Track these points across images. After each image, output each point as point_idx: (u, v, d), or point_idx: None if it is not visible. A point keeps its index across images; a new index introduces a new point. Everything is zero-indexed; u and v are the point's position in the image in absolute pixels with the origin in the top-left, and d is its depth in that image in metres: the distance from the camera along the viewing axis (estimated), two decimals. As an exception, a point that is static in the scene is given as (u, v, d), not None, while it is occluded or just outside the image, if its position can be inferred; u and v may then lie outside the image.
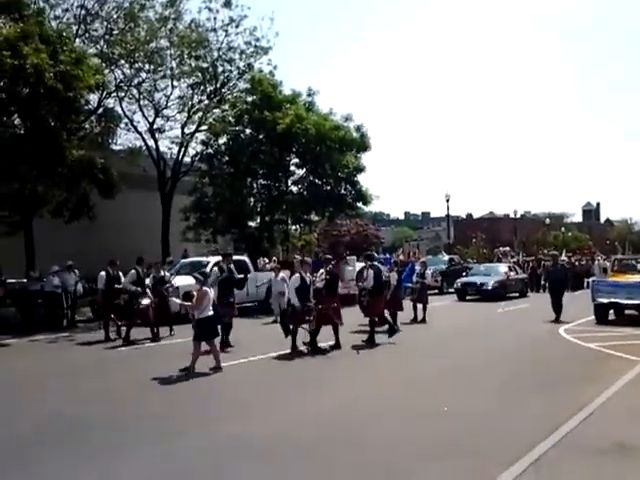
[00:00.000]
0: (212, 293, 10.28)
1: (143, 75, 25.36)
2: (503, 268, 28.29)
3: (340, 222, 35.67)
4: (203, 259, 20.42)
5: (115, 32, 23.75)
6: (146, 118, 26.64)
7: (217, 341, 10.40)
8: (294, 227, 32.16)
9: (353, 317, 14.18)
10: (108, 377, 10.26)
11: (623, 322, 15.93)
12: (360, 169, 27.80)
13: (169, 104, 26.54)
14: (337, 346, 12.21)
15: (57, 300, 17.45)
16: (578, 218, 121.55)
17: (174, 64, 25.77)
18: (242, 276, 14.02)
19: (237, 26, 26.10)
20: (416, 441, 6.33)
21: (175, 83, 26.24)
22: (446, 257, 33.96)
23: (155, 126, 26.70)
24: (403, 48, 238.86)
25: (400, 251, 28.91)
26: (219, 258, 16.06)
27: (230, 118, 27.17)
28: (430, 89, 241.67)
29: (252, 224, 27.98)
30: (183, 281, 15.78)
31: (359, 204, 29.07)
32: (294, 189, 28.49)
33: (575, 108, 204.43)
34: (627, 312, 16.65)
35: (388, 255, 26.42)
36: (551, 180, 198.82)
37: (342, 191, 28.08)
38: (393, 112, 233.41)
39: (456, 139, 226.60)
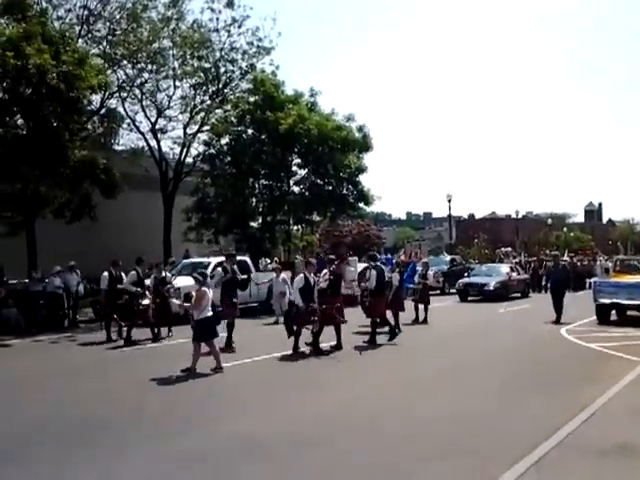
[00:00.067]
0: (211, 293, 10.26)
1: (145, 75, 25.38)
2: (505, 269, 28.27)
3: (342, 222, 35.73)
4: (204, 260, 20.43)
5: (118, 32, 23.76)
6: (148, 118, 26.70)
7: (217, 341, 10.36)
8: (296, 227, 32.16)
9: (354, 318, 14.16)
10: (109, 377, 10.26)
11: (625, 323, 15.92)
12: (362, 169, 27.75)
13: (171, 104, 26.56)
14: (338, 347, 12.20)
15: (59, 301, 17.45)
16: (580, 218, 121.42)
17: (176, 64, 25.80)
18: (245, 277, 14.13)
19: (239, 26, 26.07)
20: (416, 441, 6.32)
21: (177, 83, 26.26)
22: (448, 257, 33.93)
23: (157, 126, 26.72)
24: (405, 48, 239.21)
25: (402, 251, 28.92)
26: (220, 259, 16.10)
27: (232, 118, 27.15)
28: (432, 89, 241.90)
29: (254, 224, 27.95)
30: (184, 282, 15.78)
31: (361, 204, 29.04)
32: (296, 189, 28.48)
33: (577, 108, 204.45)
34: (629, 313, 16.63)
35: (390, 255, 26.43)
36: (553, 180, 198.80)
37: (344, 191, 28.03)
38: (395, 112, 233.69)
39: (458, 139, 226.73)
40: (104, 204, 21.15)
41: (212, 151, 27.49)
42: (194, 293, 10.38)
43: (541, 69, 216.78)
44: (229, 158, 27.16)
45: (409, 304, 16.47)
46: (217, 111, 27.31)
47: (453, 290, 26.99)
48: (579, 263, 35.34)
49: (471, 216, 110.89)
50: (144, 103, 26.28)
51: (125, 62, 24.30)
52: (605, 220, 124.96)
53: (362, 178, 27.97)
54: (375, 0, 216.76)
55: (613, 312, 16.63)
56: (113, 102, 25.37)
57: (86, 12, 23.15)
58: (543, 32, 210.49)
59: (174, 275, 16.51)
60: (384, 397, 8.33)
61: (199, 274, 10.49)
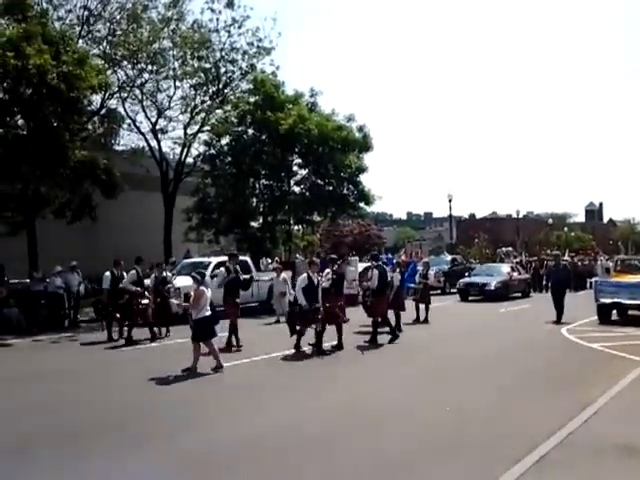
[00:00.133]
0: (209, 293, 10.25)
1: (146, 76, 25.37)
2: (505, 268, 28.26)
3: (342, 222, 35.69)
4: (205, 259, 20.45)
5: (118, 33, 23.75)
6: (149, 119, 26.69)
7: (216, 341, 10.35)
8: (296, 227, 32.17)
9: (355, 317, 14.17)
10: (109, 377, 10.27)
11: (626, 322, 15.91)
12: (362, 169, 27.76)
13: (172, 105, 26.54)
14: (339, 346, 12.21)
15: (60, 300, 17.46)
16: (581, 218, 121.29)
17: (177, 65, 25.78)
18: (248, 277, 14.28)
19: (240, 27, 26.06)
20: (417, 441, 6.32)
21: (178, 84, 26.24)
22: (449, 257, 33.91)
23: (158, 127, 26.70)
24: (406, 48, 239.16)
25: (402, 251, 28.96)
26: (221, 258, 16.13)
27: (233, 119, 27.16)
28: (433, 89, 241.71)
29: (254, 224, 27.95)
30: (184, 282, 15.78)
31: (361, 204, 29.04)
32: (296, 189, 28.48)
33: (577, 108, 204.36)
34: (630, 312, 16.61)
35: (390, 255, 26.45)
36: (554, 180, 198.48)
37: (344, 191, 28.04)
38: (395, 112, 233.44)
39: (459, 139, 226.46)
40: (105, 204, 21.16)
41: (212, 151, 27.52)
42: (192, 293, 10.38)
43: (541, 69, 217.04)
44: (229, 158, 27.18)
45: (410, 304, 16.48)
46: (217, 111, 27.30)
47: (454, 290, 26.96)
48: (580, 263, 35.30)
49: (472, 216, 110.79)
50: (144, 103, 26.31)
51: (125, 62, 24.28)
52: (606, 220, 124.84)
53: (362, 178, 28.04)
54: (375, 0, 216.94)
55: (614, 312, 16.62)
56: (113, 102, 25.43)
57: (86, 13, 23.15)
58: (543, 32, 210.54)
59: (174, 275, 16.51)
60: (385, 397, 8.33)
61: (197, 273, 10.50)
